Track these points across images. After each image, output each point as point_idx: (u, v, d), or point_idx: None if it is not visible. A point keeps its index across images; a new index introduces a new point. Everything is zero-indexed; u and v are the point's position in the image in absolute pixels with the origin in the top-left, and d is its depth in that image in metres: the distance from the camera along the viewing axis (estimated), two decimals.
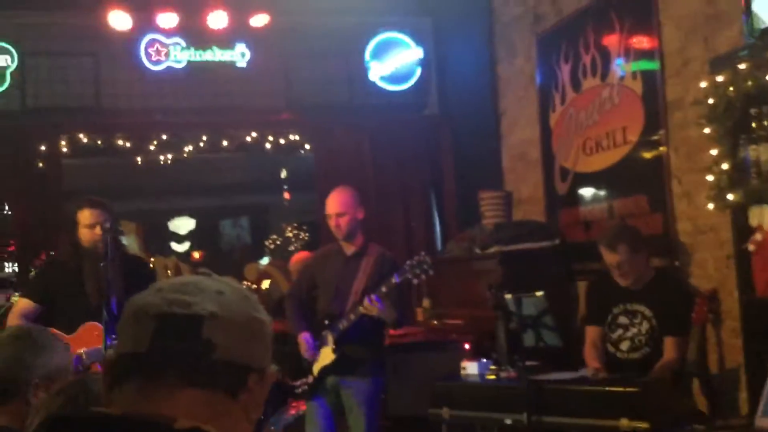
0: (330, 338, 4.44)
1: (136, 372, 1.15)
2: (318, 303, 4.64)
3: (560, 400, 3.90)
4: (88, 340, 3.93)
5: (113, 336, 3.78)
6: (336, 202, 4.55)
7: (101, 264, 3.91)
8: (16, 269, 6.59)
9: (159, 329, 1.15)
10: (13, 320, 4.10)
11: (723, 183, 3.99)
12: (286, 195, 13.30)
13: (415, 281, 4.38)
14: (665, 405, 3.75)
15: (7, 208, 6.74)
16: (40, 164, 6.68)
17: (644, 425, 3.55)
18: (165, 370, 1.14)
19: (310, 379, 4.51)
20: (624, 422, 3.60)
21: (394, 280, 4.29)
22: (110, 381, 1.18)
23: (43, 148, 6.65)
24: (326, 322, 4.50)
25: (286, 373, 4.70)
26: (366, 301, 4.28)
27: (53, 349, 2.37)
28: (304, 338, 4.49)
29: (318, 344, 4.48)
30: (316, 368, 4.49)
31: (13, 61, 6.45)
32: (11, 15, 6.51)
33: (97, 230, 4.05)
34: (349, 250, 4.59)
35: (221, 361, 1.16)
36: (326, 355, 4.45)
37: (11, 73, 6.45)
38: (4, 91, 6.48)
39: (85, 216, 4.14)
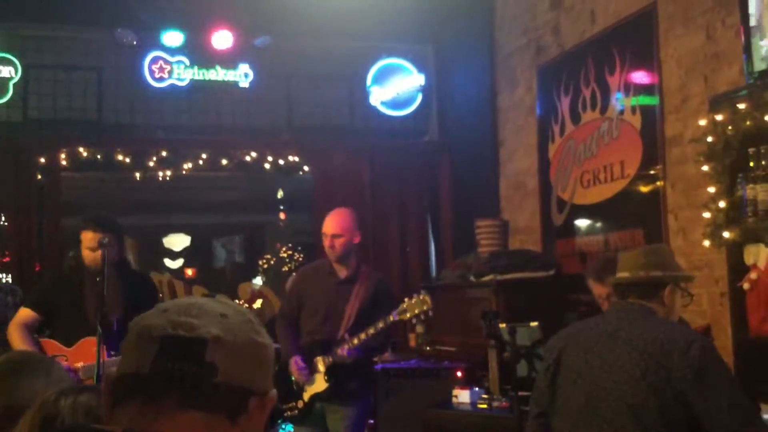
0: (321, 365, 4.38)
1: (138, 392, 1.15)
2: (305, 323, 4.54)
3: None
4: (86, 355, 3.91)
5: (112, 353, 3.77)
6: (334, 223, 4.49)
7: (98, 279, 3.93)
8: (10, 280, 6.58)
9: (162, 351, 1.15)
10: (14, 329, 4.12)
11: (719, 220, 4.01)
12: (282, 215, 13.29)
13: (414, 321, 4.31)
14: None
15: (3, 218, 6.73)
16: (39, 176, 6.68)
17: None
18: (167, 392, 1.14)
19: (300, 404, 4.45)
20: None
21: (392, 318, 4.23)
22: (112, 399, 1.17)
23: (42, 160, 6.66)
24: (317, 349, 4.42)
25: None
26: (339, 352, 4.27)
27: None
28: (295, 362, 4.41)
29: (309, 370, 4.41)
30: (307, 395, 4.43)
31: (16, 73, 6.49)
32: (16, 27, 6.55)
33: (99, 254, 4.04)
34: (342, 273, 4.53)
35: (223, 384, 1.16)
36: (319, 383, 4.39)
37: (14, 85, 6.49)
38: (6, 102, 6.52)
39: (87, 238, 4.12)
